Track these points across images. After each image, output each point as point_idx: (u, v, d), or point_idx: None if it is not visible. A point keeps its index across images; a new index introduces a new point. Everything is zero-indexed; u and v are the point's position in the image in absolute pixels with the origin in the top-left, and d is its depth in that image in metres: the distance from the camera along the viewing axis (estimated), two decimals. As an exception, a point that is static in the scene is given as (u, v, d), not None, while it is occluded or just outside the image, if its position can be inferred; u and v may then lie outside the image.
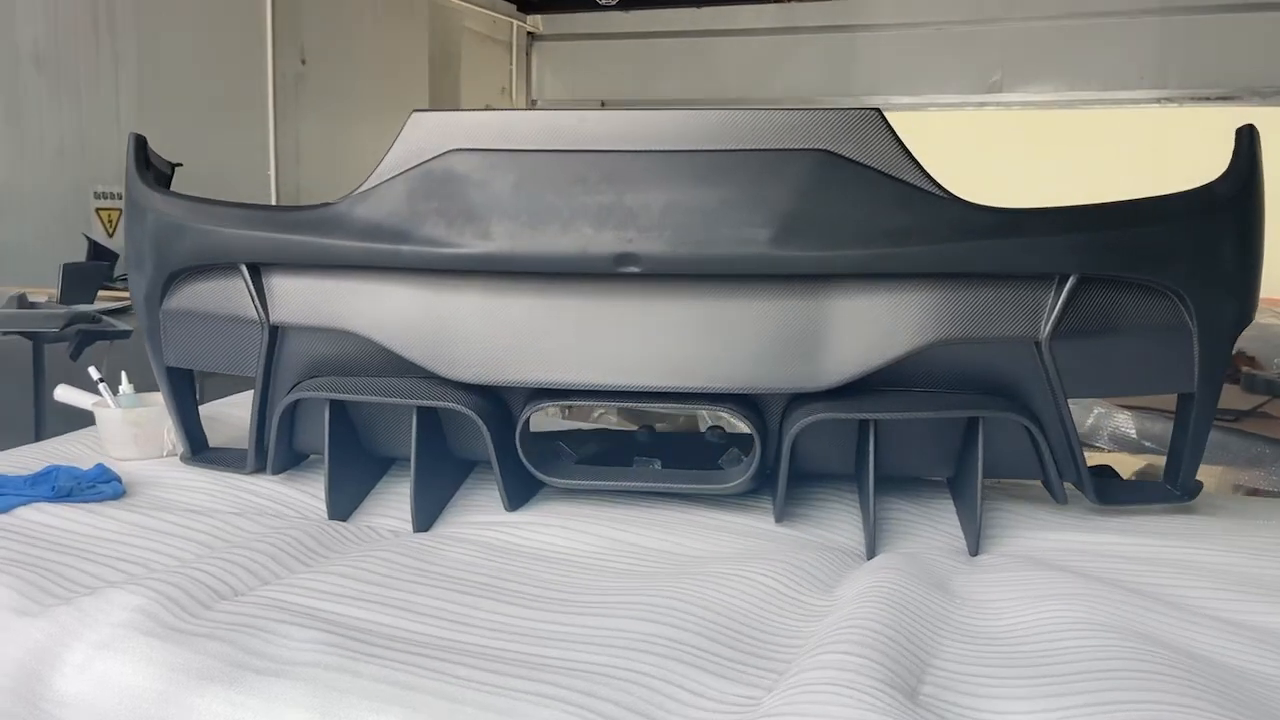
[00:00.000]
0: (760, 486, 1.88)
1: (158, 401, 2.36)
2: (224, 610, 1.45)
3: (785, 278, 1.70)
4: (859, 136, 1.65)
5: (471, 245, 1.71)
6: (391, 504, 1.98)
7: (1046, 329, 1.68)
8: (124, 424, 2.18)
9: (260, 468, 2.01)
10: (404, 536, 1.83)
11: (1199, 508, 1.90)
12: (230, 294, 1.89)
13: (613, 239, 1.67)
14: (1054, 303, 1.68)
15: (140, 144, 2.01)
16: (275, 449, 1.97)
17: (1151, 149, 8.40)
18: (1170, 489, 1.90)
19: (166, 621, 1.39)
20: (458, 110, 1.75)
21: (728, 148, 1.65)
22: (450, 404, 1.79)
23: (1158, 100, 7.36)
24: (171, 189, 1.99)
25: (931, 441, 1.86)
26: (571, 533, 1.80)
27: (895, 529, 1.84)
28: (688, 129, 1.67)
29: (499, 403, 1.87)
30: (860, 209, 1.64)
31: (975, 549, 1.75)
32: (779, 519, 1.83)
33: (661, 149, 1.67)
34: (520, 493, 1.91)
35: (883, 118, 1.66)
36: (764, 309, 1.71)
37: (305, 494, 2.01)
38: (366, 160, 1.79)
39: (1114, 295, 1.70)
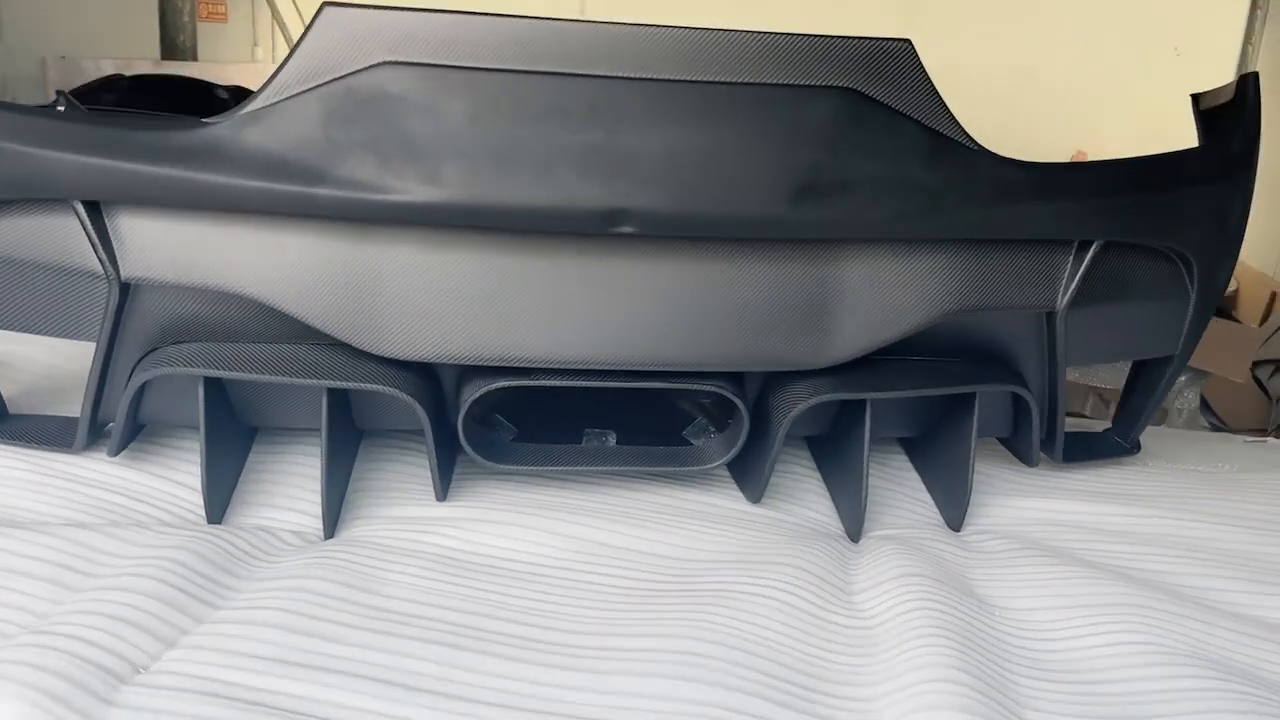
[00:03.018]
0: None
1: (-81, 348, 1.82)
2: (134, 704, 1.08)
3: (795, 241, 1.44)
4: (889, 73, 1.38)
5: (413, 192, 1.32)
6: (277, 491, 1.60)
7: (1065, 299, 1.53)
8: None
9: (89, 445, 1.56)
10: (317, 546, 1.47)
11: (1148, 462, 1.88)
12: (56, 236, 1.40)
13: (602, 191, 1.33)
14: (1074, 270, 1.53)
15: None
16: (120, 428, 1.53)
17: (925, 11, 8.52)
18: (1121, 443, 1.87)
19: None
20: (389, 7, 1.31)
21: (742, 79, 1.34)
22: (381, 386, 1.43)
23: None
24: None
25: (904, 405, 1.70)
26: (528, 533, 1.51)
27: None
28: (693, 52, 1.33)
29: (431, 378, 1.52)
30: (891, 162, 1.39)
31: (960, 524, 1.64)
32: (757, 500, 1.62)
33: (663, 77, 1.33)
34: (448, 475, 1.59)
35: (914, 51, 1.40)
36: (767, 275, 1.45)
37: (158, 479, 1.59)
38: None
39: (1126, 261, 1.57)
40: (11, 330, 1.49)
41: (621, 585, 1.41)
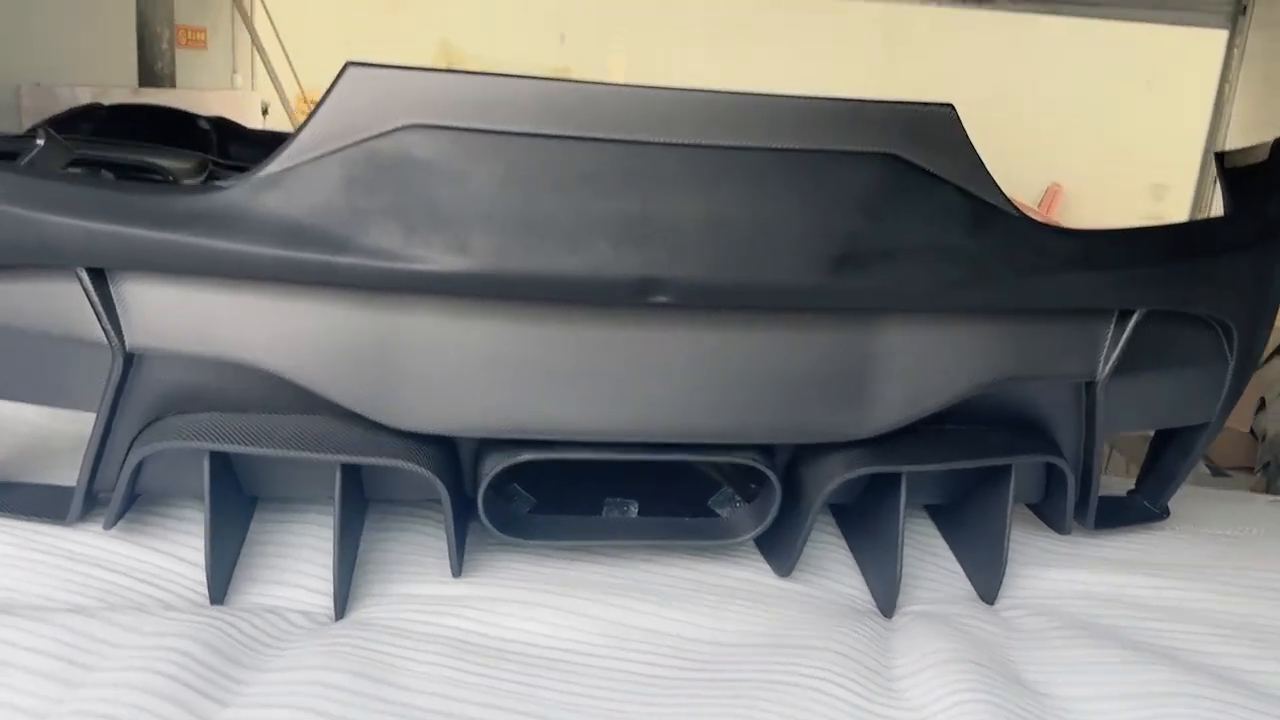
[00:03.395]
0: None
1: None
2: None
3: (833, 310, 1.39)
4: (932, 139, 1.33)
5: (441, 261, 1.25)
6: (281, 565, 1.52)
7: (1106, 368, 1.49)
8: None
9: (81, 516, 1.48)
10: (328, 629, 1.39)
11: (1175, 526, 1.84)
12: (57, 304, 1.31)
13: (636, 260, 1.27)
14: (1116, 339, 1.48)
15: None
16: (119, 501, 1.44)
17: (908, 47, 8.60)
18: (1150, 508, 1.82)
19: None
20: (414, 68, 1.25)
21: (781, 145, 1.29)
22: (400, 462, 1.35)
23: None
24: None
25: (937, 474, 1.64)
26: (550, 613, 1.44)
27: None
28: (731, 116, 1.28)
29: (448, 449, 1.45)
30: (933, 230, 1.34)
31: (994, 597, 1.58)
32: (787, 575, 1.56)
33: (700, 142, 1.27)
34: (462, 548, 1.52)
35: (957, 116, 1.35)
36: (803, 345, 1.39)
37: (155, 553, 1.50)
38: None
39: (1166, 329, 1.53)
40: (6, 400, 1.40)
41: (651, 673, 1.34)
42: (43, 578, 1.41)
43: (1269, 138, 1.65)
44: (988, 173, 1.36)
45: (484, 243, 1.25)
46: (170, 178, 3.17)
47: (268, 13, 7.66)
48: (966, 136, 1.35)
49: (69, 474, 1.64)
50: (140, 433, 1.41)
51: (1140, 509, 1.81)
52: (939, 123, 1.33)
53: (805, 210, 1.30)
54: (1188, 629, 1.51)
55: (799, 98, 1.29)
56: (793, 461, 1.53)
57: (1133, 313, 1.47)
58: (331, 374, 1.33)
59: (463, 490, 1.49)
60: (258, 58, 7.73)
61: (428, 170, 1.24)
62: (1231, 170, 1.73)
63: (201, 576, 1.47)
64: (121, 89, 6.40)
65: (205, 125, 4.39)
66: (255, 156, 4.07)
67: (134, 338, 1.32)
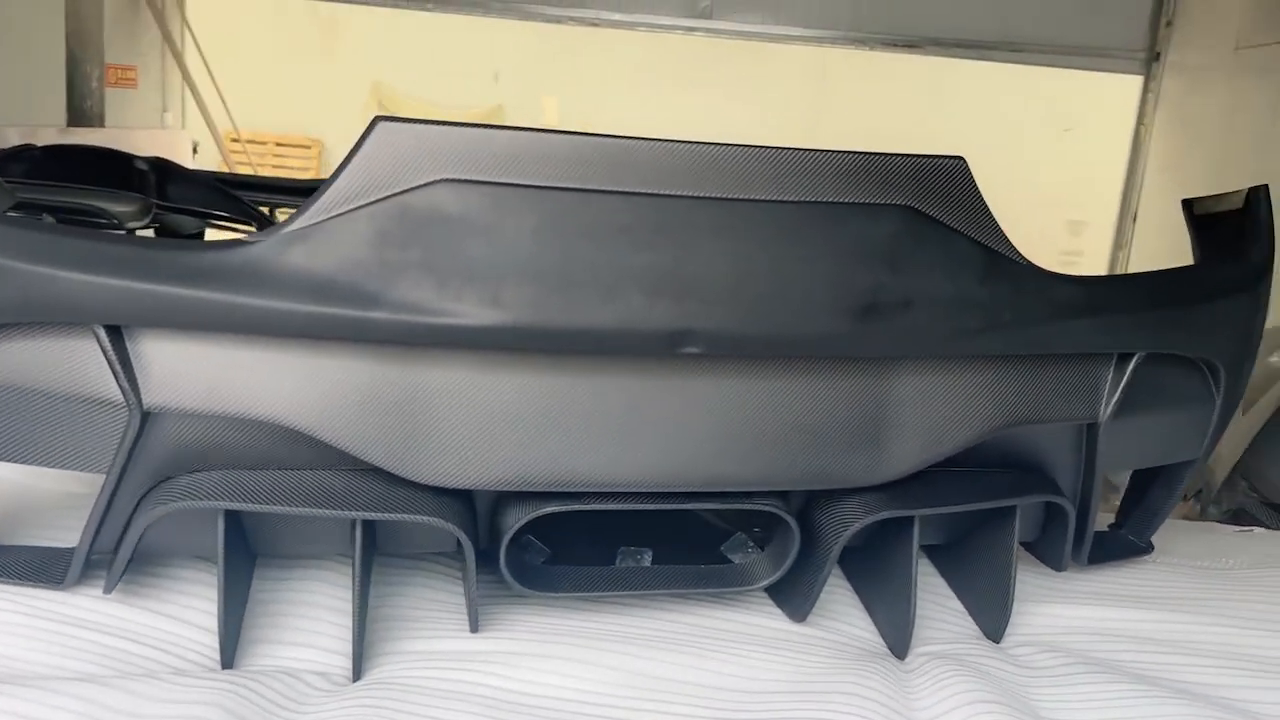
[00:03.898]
0: None
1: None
2: None
3: (852, 359, 1.41)
4: (944, 191, 1.37)
5: (474, 315, 1.24)
6: (288, 625, 1.48)
7: (1108, 410, 1.54)
8: None
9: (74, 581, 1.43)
10: (346, 690, 1.36)
11: (1158, 559, 1.89)
12: (68, 363, 1.27)
13: (669, 312, 1.28)
14: (1116, 381, 1.54)
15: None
16: (122, 563, 1.39)
17: (838, 88, 8.80)
18: (1137, 543, 1.88)
19: None
20: (444, 123, 1.25)
21: (805, 198, 1.31)
22: (424, 517, 1.34)
23: (852, 43, 7.64)
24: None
25: (943, 516, 1.67)
26: (571, 665, 1.43)
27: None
28: (758, 170, 1.30)
29: (466, 503, 1.43)
30: (948, 279, 1.38)
31: (1000, 635, 1.61)
32: (802, 620, 1.57)
33: (728, 196, 1.29)
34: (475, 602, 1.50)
35: (968, 169, 1.39)
36: (824, 393, 1.41)
37: (157, 615, 1.45)
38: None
39: (1161, 371, 1.59)
40: (13, 462, 1.35)
41: (684, 725, 1.34)
42: (46, 645, 1.36)
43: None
44: (995, 223, 1.41)
45: (517, 296, 1.25)
46: (114, 221, 3.09)
47: (200, 51, 7.54)
48: (976, 188, 1.39)
49: (50, 534, 1.58)
50: (149, 493, 1.37)
51: (1127, 544, 1.87)
52: (951, 175, 1.37)
53: (829, 261, 1.33)
54: (1189, 661, 1.56)
55: (821, 152, 1.32)
56: (806, 507, 1.54)
57: (1131, 356, 1.52)
58: (356, 429, 1.31)
59: (476, 543, 1.47)
60: (188, 96, 7.59)
61: (460, 224, 1.23)
62: (1201, 216, 1.81)
63: (206, 639, 1.43)
64: (50, 128, 6.23)
65: (143, 166, 4.28)
66: (195, 198, 3.99)
67: (151, 396, 1.28)
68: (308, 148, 9.65)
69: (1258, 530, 2.26)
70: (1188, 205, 1.84)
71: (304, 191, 4.15)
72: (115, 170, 4.13)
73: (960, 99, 8.99)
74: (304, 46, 9.34)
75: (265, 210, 3.82)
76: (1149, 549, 1.87)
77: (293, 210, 1.64)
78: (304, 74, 9.31)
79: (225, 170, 7.21)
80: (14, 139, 4.84)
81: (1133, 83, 7.62)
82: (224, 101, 7.64)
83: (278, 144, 9.44)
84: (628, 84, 9.06)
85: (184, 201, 3.88)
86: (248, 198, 3.84)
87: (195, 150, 7.90)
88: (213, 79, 7.59)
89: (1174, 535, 2.09)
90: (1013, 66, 7.98)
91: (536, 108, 9.39)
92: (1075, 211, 8.94)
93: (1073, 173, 8.90)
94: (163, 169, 3.97)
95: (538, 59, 9.18)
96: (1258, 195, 1.66)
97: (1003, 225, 1.41)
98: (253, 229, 3.66)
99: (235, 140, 8.02)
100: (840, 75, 8.77)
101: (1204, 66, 6.62)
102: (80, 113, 6.61)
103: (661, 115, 8.35)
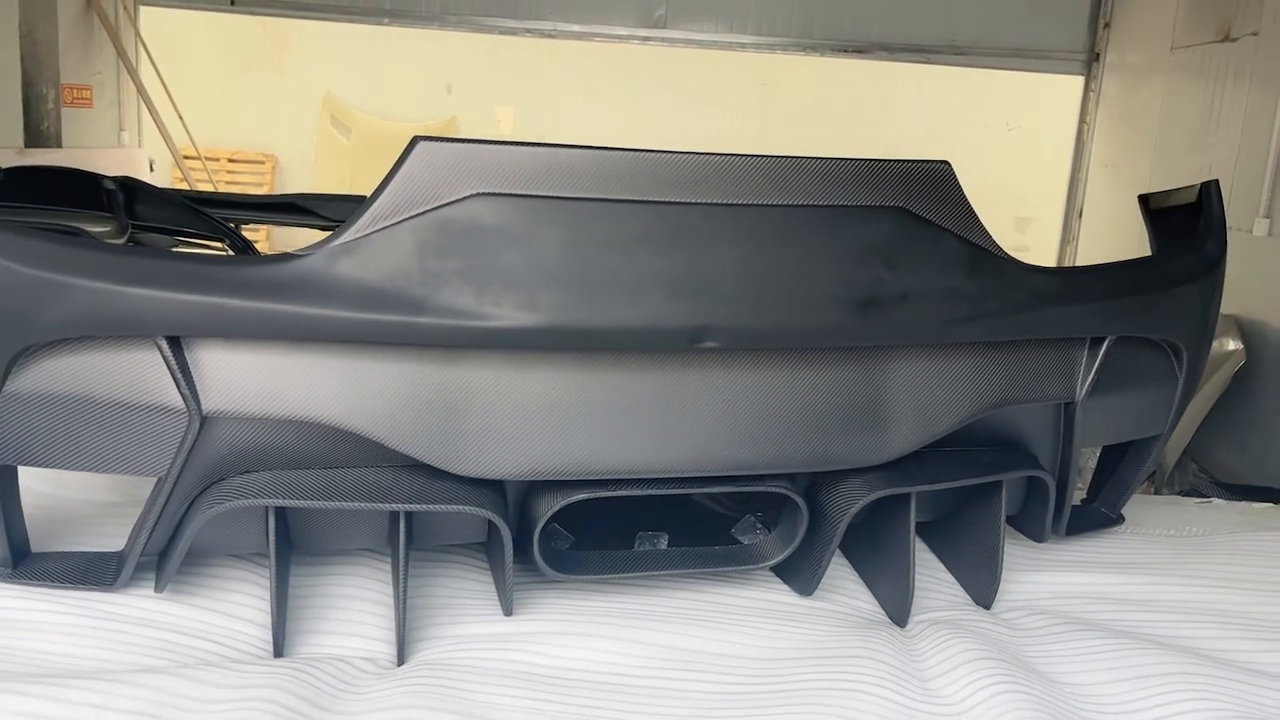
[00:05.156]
0: None
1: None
2: None
3: (854, 348, 1.53)
4: (932, 192, 1.50)
5: (511, 318, 1.35)
6: (330, 616, 1.57)
7: (1083, 390, 1.68)
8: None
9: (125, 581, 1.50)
10: (396, 672, 1.45)
11: (1127, 530, 2.04)
12: (132, 373, 1.35)
13: (688, 310, 1.39)
14: (1090, 363, 1.67)
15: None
16: (175, 562, 1.47)
17: (785, 92, 8.98)
18: (1109, 515, 2.02)
19: None
20: (479, 140, 1.35)
21: (809, 201, 1.43)
22: (466, 507, 1.43)
23: (801, 49, 7.83)
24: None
25: (934, 493, 1.80)
26: (602, 642, 1.53)
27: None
28: (764, 177, 1.41)
29: (500, 494, 1.53)
30: (939, 273, 1.51)
31: (991, 602, 1.74)
32: (810, 594, 1.69)
33: (740, 202, 1.41)
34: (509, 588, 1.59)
35: (953, 172, 1.52)
36: (831, 382, 1.53)
37: (203, 610, 1.53)
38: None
39: (1130, 353, 1.73)
40: (75, 470, 1.42)
41: (712, 690, 1.45)
42: (103, 642, 1.43)
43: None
44: (979, 220, 1.54)
45: (551, 299, 1.35)
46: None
47: (156, 70, 7.52)
48: (961, 189, 1.52)
49: (85, 541, 1.66)
50: (201, 494, 1.45)
51: (1100, 516, 2.01)
52: (938, 178, 1.50)
53: (833, 260, 1.45)
54: (1163, 617, 1.70)
55: (822, 159, 1.44)
56: (811, 489, 1.66)
57: (1104, 340, 1.66)
58: (401, 427, 1.40)
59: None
60: (144, 115, 7.57)
61: (496, 234, 1.34)
62: (1156, 210, 1.97)
63: (254, 631, 1.51)
64: (7, 149, 6.19)
65: (111, 185, 4.29)
66: (164, 215, 4.01)
67: (210, 402, 1.37)
68: (261, 163, 9.62)
69: (1216, 501, 2.42)
70: (1144, 200, 2.00)
71: (269, 207, 4.19)
72: (84, 190, 4.13)
73: (907, 101, 9.22)
74: (256, 62, 9.33)
75: (231, 225, 3.85)
76: (1121, 520, 2.01)
77: (257, 224, 1.73)
78: (257, 90, 9.30)
79: (186, 188, 7.21)
80: (-28, 162, 4.82)
81: (1074, 83, 7.88)
82: (181, 119, 7.62)
83: (230, 160, 9.42)
84: (582, 93, 9.16)
85: (153, 219, 3.89)
86: (215, 214, 3.86)
87: (151, 168, 7.87)
88: (169, 96, 7.57)
89: (1142, 508, 2.24)
90: (957, 69, 8.21)
91: (491, 119, 9.45)
92: (1023, 208, 9.20)
93: (1019, 171, 9.16)
94: (130, 188, 3.97)
95: (490, 70, 9.24)
96: (1209, 190, 1.81)
97: None
98: (222, 244, 3.71)
99: (191, 158, 8.00)
100: (790, 80, 8.95)
101: (1142, 66, 6.88)
102: (37, 133, 6.58)
103: (616, 123, 8.47)
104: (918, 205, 1.48)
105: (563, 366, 1.44)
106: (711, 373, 1.49)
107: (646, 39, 7.81)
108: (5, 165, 4.49)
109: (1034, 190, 8.81)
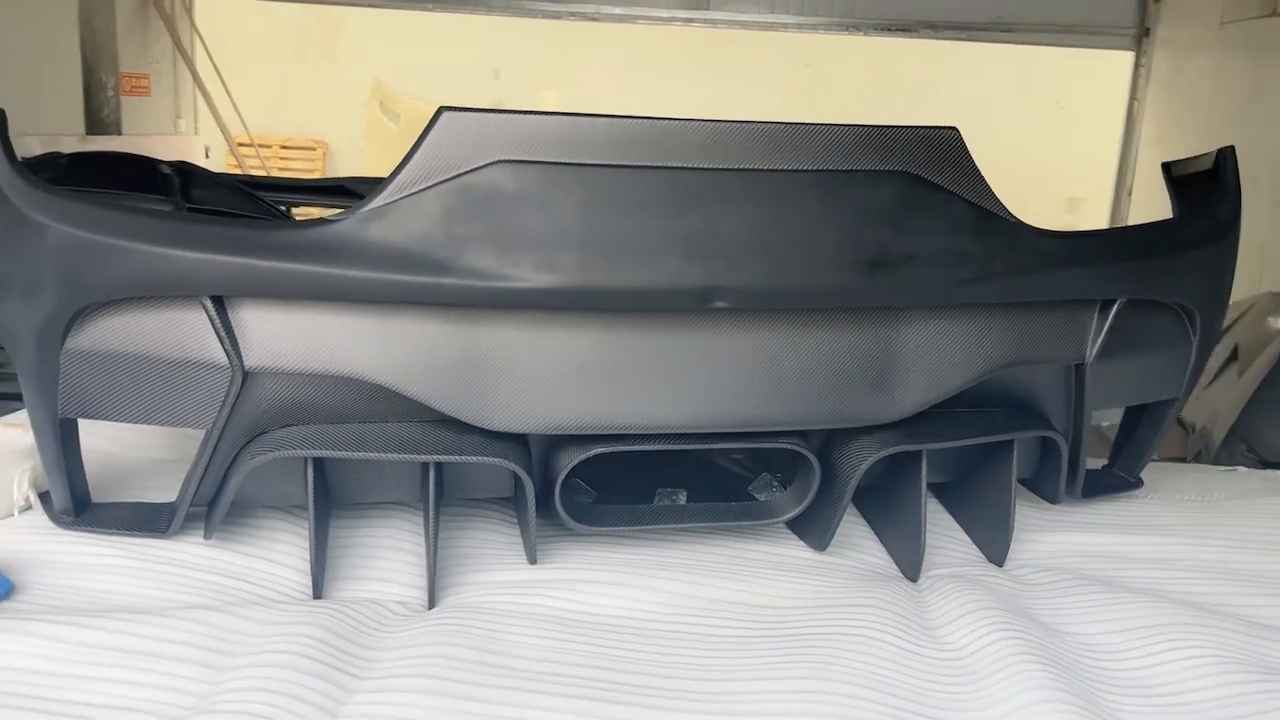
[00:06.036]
0: None
1: (-11, 442, 1.83)
2: (323, 775, 1.15)
3: (864, 309, 1.59)
4: (940, 157, 1.55)
5: (531, 279, 1.42)
6: (367, 564, 1.66)
7: (1093, 351, 1.71)
8: (-42, 480, 1.65)
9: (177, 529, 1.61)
10: (427, 614, 1.54)
11: (1147, 495, 2.07)
12: (180, 331, 1.45)
13: (700, 271, 1.46)
14: (1100, 326, 1.71)
15: (0, 121, 1.48)
16: (222, 510, 1.58)
17: (831, 73, 8.96)
18: (1126, 478, 2.05)
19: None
20: (500, 110, 1.43)
21: (819, 167, 1.49)
22: (491, 458, 1.52)
23: (845, 28, 7.81)
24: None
25: (947, 453, 1.85)
26: (623, 589, 1.61)
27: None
28: (777, 143, 1.47)
29: (524, 448, 1.61)
30: (946, 236, 1.55)
31: (1003, 560, 1.78)
32: (824, 549, 1.75)
33: (751, 167, 1.47)
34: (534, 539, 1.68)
35: (961, 137, 1.57)
36: (841, 341, 1.59)
37: (253, 558, 1.63)
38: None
39: (1141, 316, 1.76)
40: (130, 422, 1.53)
41: (726, 634, 1.52)
42: (157, 583, 1.54)
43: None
44: (987, 184, 1.58)
45: (569, 261, 1.42)
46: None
47: (211, 59, 7.71)
48: (969, 154, 1.57)
49: (143, 494, 1.77)
50: (245, 446, 1.55)
51: (1118, 479, 2.05)
52: (947, 143, 1.55)
53: (841, 222, 1.51)
54: (1172, 574, 1.73)
55: (832, 126, 1.49)
56: (825, 448, 1.72)
57: (1114, 302, 1.70)
58: (429, 383, 1.49)
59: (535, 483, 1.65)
60: (199, 103, 7.77)
61: (517, 199, 1.41)
62: (1178, 177, 1.99)
63: (295, 576, 1.61)
64: (70, 137, 6.41)
65: (167, 170, 4.45)
66: (218, 199, 4.14)
67: (251, 358, 1.46)
68: (313, 149, 9.83)
69: (1242, 469, 2.44)
70: (1166, 167, 2.02)
71: (319, 190, 4.31)
72: (141, 174, 4.29)
73: (954, 80, 9.13)
74: (308, 50, 9.51)
75: (283, 209, 3.98)
76: (1139, 484, 2.04)
77: (310, 208, 1.81)
78: (308, 77, 9.48)
79: (240, 172, 7.39)
80: (36, 148, 5.01)
81: (1124, 59, 7.77)
82: (235, 106, 7.81)
83: (283, 146, 9.62)
84: (626, 76, 9.21)
85: (208, 203, 4.02)
86: (267, 197, 3.98)
87: (207, 155, 8.09)
88: (224, 84, 7.75)
89: (1165, 475, 2.27)
90: (1004, 46, 8.12)
91: (536, 103, 9.54)
92: (1073, 188, 9.10)
93: (1068, 150, 9.06)
94: (186, 172, 4.11)
95: (537, 55, 9.33)
96: (1225, 155, 1.83)
97: (1004, 203, 1.58)
98: None
99: (245, 145, 8.19)
100: (835, 60, 8.92)
101: (1192, 41, 6.78)
102: (98, 121, 6.79)
103: (660, 105, 8.49)
104: (925, 170, 1.53)
105: (582, 327, 1.51)
106: (724, 333, 1.55)
107: (689, 20, 7.84)
108: (68, 152, 4.67)
109: (1084, 170, 8.71)
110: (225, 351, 1.45)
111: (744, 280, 1.48)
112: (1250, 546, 1.84)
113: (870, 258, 1.51)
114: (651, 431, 1.57)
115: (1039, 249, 1.61)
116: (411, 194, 1.40)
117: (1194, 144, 5.73)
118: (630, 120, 1.44)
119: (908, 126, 1.54)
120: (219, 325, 1.44)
